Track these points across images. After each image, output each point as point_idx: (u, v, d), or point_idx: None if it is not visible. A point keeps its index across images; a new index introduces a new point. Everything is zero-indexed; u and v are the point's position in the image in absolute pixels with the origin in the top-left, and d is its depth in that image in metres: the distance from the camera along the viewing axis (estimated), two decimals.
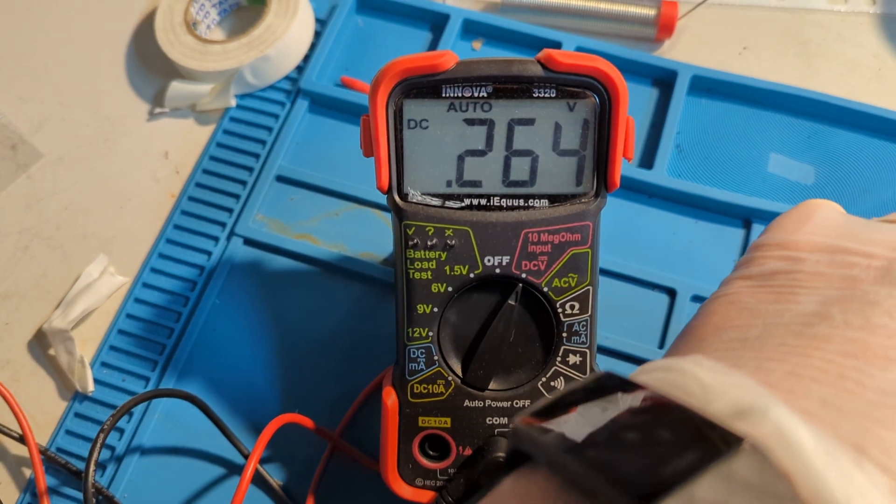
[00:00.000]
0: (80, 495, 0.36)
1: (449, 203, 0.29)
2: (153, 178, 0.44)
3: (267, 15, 0.45)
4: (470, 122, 0.29)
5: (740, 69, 0.44)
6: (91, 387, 0.38)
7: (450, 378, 0.30)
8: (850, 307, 0.20)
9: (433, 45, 0.46)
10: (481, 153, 0.29)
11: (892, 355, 0.18)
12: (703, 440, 0.15)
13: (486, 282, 0.30)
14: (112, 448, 0.37)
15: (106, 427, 0.32)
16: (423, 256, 0.29)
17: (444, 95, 0.28)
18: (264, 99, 0.45)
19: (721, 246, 0.40)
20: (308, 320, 0.39)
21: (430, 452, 0.31)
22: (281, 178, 0.43)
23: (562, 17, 0.46)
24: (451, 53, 0.28)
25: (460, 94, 0.28)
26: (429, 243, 0.29)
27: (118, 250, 0.42)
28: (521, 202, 0.29)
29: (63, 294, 0.41)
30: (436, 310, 0.30)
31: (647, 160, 0.42)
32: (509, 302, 0.30)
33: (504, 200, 0.29)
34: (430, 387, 0.30)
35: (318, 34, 0.47)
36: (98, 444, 0.32)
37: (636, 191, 0.41)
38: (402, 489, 0.31)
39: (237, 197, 0.43)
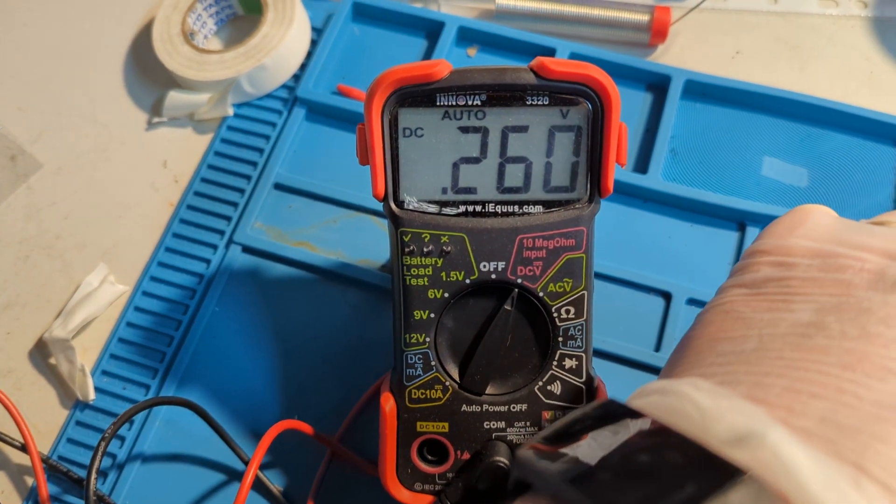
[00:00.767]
0: (82, 503, 0.37)
1: (444, 210, 0.30)
2: (152, 187, 0.44)
3: (263, 24, 0.45)
4: (464, 129, 0.29)
5: (733, 73, 0.44)
6: (92, 395, 0.39)
7: (447, 383, 0.30)
8: (846, 316, 0.20)
9: (429, 53, 0.46)
10: (476, 160, 0.29)
11: (890, 365, 0.18)
12: (703, 471, 0.15)
13: (482, 287, 0.30)
14: (113, 456, 0.37)
15: (107, 435, 0.32)
16: (419, 263, 0.30)
17: (438, 104, 0.28)
18: (261, 108, 0.46)
19: (716, 249, 0.40)
20: (307, 327, 0.40)
21: (429, 457, 0.31)
22: (279, 186, 0.43)
23: (556, 23, 0.46)
24: (445, 62, 0.28)
25: (454, 103, 0.28)
26: (425, 250, 0.30)
27: (118, 259, 0.43)
28: (516, 208, 0.30)
29: (63, 303, 0.41)
30: (432, 316, 0.30)
31: (642, 164, 0.42)
32: (505, 307, 0.30)
33: (499, 207, 0.30)
34: (427, 392, 0.31)
35: (314, 43, 0.47)
36: (99, 453, 0.32)
37: (631, 195, 0.42)
38: (401, 494, 0.31)
39: (235, 205, 0.43)
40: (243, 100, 0.46)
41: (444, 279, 0.30)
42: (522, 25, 0.46)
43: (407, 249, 0.30)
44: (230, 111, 0.45)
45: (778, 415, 0.17)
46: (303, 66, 0.46)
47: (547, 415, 0.31)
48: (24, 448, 0.37)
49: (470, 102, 0.28)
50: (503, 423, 0.31)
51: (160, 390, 0.39)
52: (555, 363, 0.30)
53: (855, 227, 0.24)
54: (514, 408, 0.30)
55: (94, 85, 0.48)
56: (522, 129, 0.29)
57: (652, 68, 0.44)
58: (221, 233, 0.42)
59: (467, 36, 0.46)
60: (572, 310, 0.30)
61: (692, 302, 0.39)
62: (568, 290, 0.30)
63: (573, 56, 0.44)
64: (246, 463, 0.36)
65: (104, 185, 0.45)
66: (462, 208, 0.30)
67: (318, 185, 0.43)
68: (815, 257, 0.23)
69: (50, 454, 0.38)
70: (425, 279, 0.30)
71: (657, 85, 0.44)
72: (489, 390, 0.31)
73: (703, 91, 0.43)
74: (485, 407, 0.30)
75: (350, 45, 0.47)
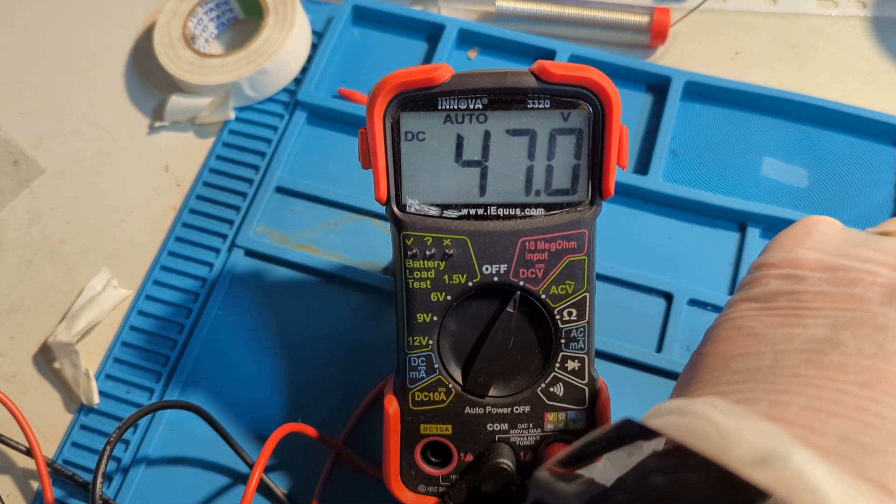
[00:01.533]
0: None
1: (447, 213, 0.30)
2: (154, 192, 0.45)
3: (264, 28, 0.46)
4: (466, 133, 0.29)
5: (733, 74, 0.44)
6: (96, 399, 0.39)
7: (450, 386, 0.31)
8: (861, 332, 0.19)
9: (429, 55, 0.46)
10: (477, 164, 0.29)
11: None
12: (724, 493, 0.15)
13: (485, 290, 0.30)
14: (118, 459, 0.38)
15: (112, 439, 0.33)
16: (421, 266, 0.30)
17: (440, 108, 0.29)
18: (263, 111, 0.46)
19: (716, 249, 0.40)
20: (309, 329, 0.40)
21: (433, 459, 0.31)
22: (280, 190, 0.43)
23: (556, 25, 0.46)
24: (447, 66, 0.28)
25: (456, 107, 0.29)
26: (427, 253, 0.30)
27: (121, 263, 0.43)
28: (518, 211, 0.30)
29: (67, 307, 0.42)
30: (435, 318, 0.30)
31: (643, 166, 0.42)
32: (508, 309, 0.30)
33: (501, 210, 0.30)
34: (431, 394, 0.31)
35: (315, 46, 0.47)
36: (105, 456, 0.32)
37: (632, 196, 0.42)
38: (405, 495, 0.31)
39: (237, 209, 0.43)
40: (245, 104, 0.46)
41: (447, 282, 0.30)
42: (522, 27, 0.46)
43: (410, 252, 0.30)
44: (232, 115, 0.45)
45: (798, 434, 0.17)
46: (304, 70, 0.46)
47: (549, 416, 0.31)
48: (29, 452, 0.37)
49: (471, 106, 0.29)
50: (506, 424, 0.31)
51: (164, 394, 0.39)
52: (557, 365, 0.30)
53: (863, 239, 0.23)
54: (516, 410, 0.31)
55: (95, 89, 0.48)
56: (524, 132, 0.29)
57: (652, 69, 0.44)
58: (224, 236, 0.42)
59: (468, 38, 0.46)
60: (574, 312, 0.30)
61: (693, 302, 0.39)
62: (570, 292, 0.30)
63: (573, 58, 0.44)
64: (250, 466, 0.36)
65: (106, 189, 0.45)
66: (464, 211, 0.30)
67: (319, 188, 0.43)
68: (824, 270, 0.22)
69: (55, 458, 0.38)
70: (428, 282, 0.30)
71: (657, 86, 0.44)
72: (492, 392, 0.31)
73: (703, 92, 0.44)
74: (488, 409, 0.31)
75: (350, 49, 0.47)
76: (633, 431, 0.19)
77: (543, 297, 0.30)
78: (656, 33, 0.45)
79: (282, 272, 0.42)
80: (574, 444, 0.21)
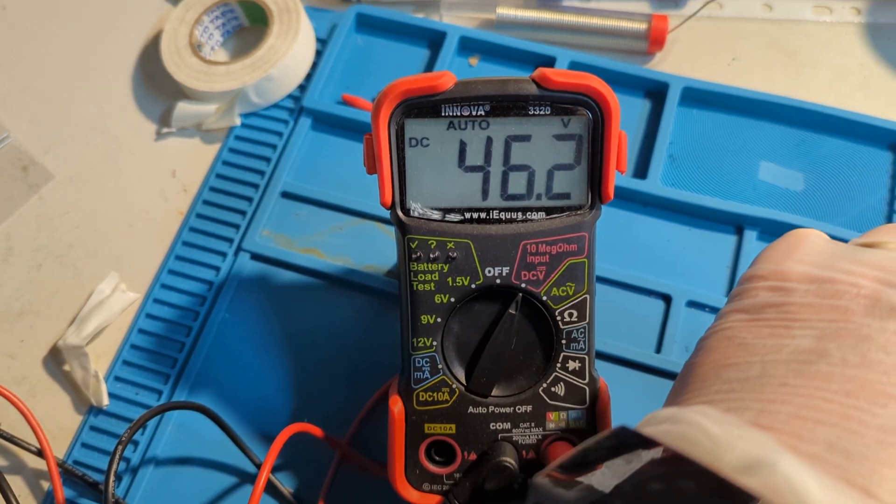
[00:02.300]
0: None
1: (450, 217, 0.30)
2: (161, 197, 0.45)
3: (269, 36, 0.46)
4: (469, 139, 0.30)
5: (730, 80, 0.45)
6: (106, 401, 0.39)
7: (454, 386, 0.31)
8: (846, 343, 0.20)
9: (431, 62, 0.47)
10: (480, 169, 0.30)
11: (891, 391, 0.19)
12: (716, 498, 0.16)
13: (488, 292, 0.31)
14: (127, 460, 0.38)
15: (124, 439, 0.33)
16: (426, 269, 0.31)
17: (443, 114, 0.29)
18: (268, 117, 0.46)
19: (714, 252, 0.41)
20: (315, 332, 0.41)
21: (437, 458, 0.32)
22: (286, 195, 0.44)
23: (556, 32, 0.47)
24: (450, 74, 0.29)
25: (459, 113, 0.29)
26: (431, 256, 0.30)
27: (129, 267, 0.43)
28: (519, 215, 0.30)
29: (76, 311, 0.42)
30: (439, 320, 0.31)
31: (641, 170, 0.43)
32: (510, 311, 0.31)
33: (503, 213, 0.30)
34: (435, 394, 0.31)
35: (319, 53, 0.48)
36: (116, 457, 0.33)
37: (631, 200, 0.42)
38: (410, 494, 0.32)
39: (244, 213, 0.44)
40: (250, 110, 0.46)
41: (451, 284, 0.31)
42: (523, 35, 0.47)
43: (414, 256, 0.30)
44: (237, 121, 0.46)
45: (786, 441, 0.18)
46: (308, 77, 0.47)
47: (551, 415, 0.31)
48: (40, 453, 0.37)
49: (474, 113, 0.29)
50: (508, 424, 0.31)
51: (172, 395, 0.40)
52: (558, 365, 0.31)
53: (848, 252, 0.24)
54: (519, 409, 0.31)
55: (103, 96, 0.49)
56: (525, 138, 0.30)
57: (650, 76, 0.45)
58: (230, 241, 0.43)
59: (469, 45, 0.47)
60: (575, 313, 0.31)
61: (692, 304, 0.40)
62: (570, 293, 0.31)
63: (573, 64, 0.45)
64: (257, 466, 0.36)
65: (114, 194, 0.46)
66: (467, 215, 0.30)
67: (324, 193, 0.44)
68: (811, 282, 0.23)
69: (65, 459, 0.39)
70: (432, 284, 0.31)
71: (655, 92, 0.45)
72: (495, 392, 0.31)
73: (701, 97, 0.44)
74: (491, 409, 0.31)
75: (354, 56, 0.48)
76: (629, 439, 0.19)
77: (545, 298, 0.31)
78: (654, 40, 0.46)
79: (287, 275, 0.42)
80: (572, 451, 0.22)
